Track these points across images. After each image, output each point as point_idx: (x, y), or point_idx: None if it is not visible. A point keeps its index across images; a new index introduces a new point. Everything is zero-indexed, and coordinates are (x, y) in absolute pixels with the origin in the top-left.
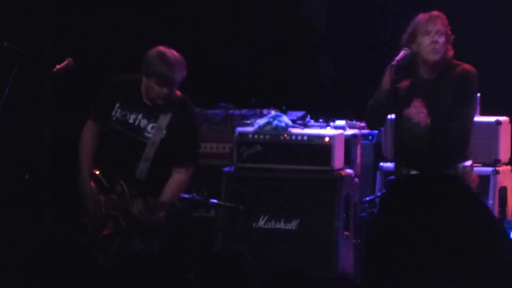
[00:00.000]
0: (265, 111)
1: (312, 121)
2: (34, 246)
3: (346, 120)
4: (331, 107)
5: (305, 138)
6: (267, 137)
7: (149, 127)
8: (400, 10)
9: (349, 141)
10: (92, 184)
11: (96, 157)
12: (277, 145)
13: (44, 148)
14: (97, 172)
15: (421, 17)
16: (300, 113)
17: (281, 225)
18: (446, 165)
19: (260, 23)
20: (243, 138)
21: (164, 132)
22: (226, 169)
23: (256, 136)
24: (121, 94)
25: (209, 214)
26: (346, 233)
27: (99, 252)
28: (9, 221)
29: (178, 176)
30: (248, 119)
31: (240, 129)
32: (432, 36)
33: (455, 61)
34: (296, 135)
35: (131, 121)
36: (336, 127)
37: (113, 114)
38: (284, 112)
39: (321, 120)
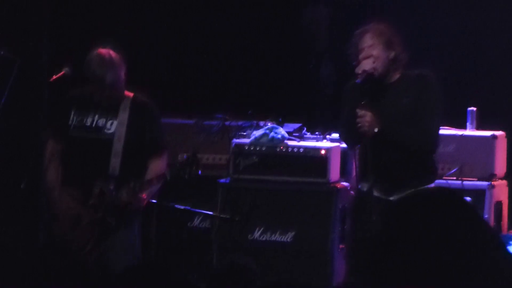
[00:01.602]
0: (261, 123)
1: (308, 133)
2: (28, 255)
3: None
4: (328, 120)
5: (301, 150)
6: (263, 148)
7: (108, 124)
8: (401, 21)
9: (345, 154)
10: (61, 201)
11: (66, 171)
12: (273, 157)
13: (40, 158)
14: (67, 186)
15: (354, 36)
16: (296, 125)
17: (277, 237)
18: (404, 185)
19: (259, 33)
20: (240, 150)
21: (127, 126)
22: (222, 180)
23: (252, 148)
24: (74, 102)
25: (205, 225)
26: (341, 246)
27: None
28: (3, 230)
29: (155, 166)
30: (244, 131)
31: (236, 140)
32: (365, 52)
33: (411, 69)
34: (292, 147)
35: (88, 123)
36: (332, 140)
37: (70, 123)
38: (281, 124)
39: (317, 133)
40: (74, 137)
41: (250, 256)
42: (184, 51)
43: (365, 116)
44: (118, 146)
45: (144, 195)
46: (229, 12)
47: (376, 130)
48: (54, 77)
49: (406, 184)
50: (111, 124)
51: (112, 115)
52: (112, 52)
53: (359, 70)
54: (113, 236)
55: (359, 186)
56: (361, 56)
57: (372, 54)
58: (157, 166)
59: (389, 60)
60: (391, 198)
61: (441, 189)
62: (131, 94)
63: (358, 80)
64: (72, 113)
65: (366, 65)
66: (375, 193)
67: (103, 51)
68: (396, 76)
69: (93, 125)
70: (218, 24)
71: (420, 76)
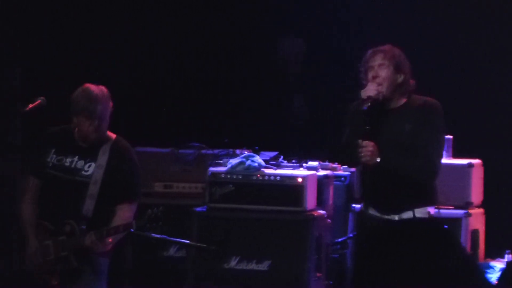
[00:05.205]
0: (238, 151)
1: (285, 161)
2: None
3: (318, 161)
4: (304, 148)
5: (278, 178)
6: (240, 177)
7: (86, 167)
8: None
9: (322, 182)
10: (34, 234)
11: (41, 206)
12: (250, 185)
13: (14, 189)
14: (41, 220)
15: (367, 53)
16: (273, 154)
17: (253, 266)
18: (401, 206)
19: (234, 63)
20: (216, 178)
21: (105, 169)
22: (198, 209)
23: (228, 176)
24: (55, 141)
25: (181, 255)
26: (318, 274)
27: None
28: None
29: (122, 213)
30: (221, 159)
31: (212, 169)
32: (374, 71)
33: (418, 96)
34: (269, 175)
35: (67, 164)
36: (309, 168)
37: (48, 160)
38: (257, 152)
39: (294, 161)
40: (51, 175)
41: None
42: (161, 80)
43: (367, 146)
44: (94, 188)
45: (110, 239)
46: (206, 41)
47: (378, 160)
48: (30, 106)
49: (404, 206)
50: (89, 166)
51: (91, 158)
52: (101, 87)
53: (364, 95)
54: (77, 279)
55: (357, 208)
56: (370, 75)
57: (381, 74)
58: (125, 214)
59: (397, 83)
60: (391, 218)
61: (428, 220)
62: (113, 136)
63: (364, 107)
64: (52, 151)
65: (371, 90)
66: (371, 212)
67: (92, 86)
68: (402, 101)
69: (72, 166)
70: (196, 54)
71: (425, 103)
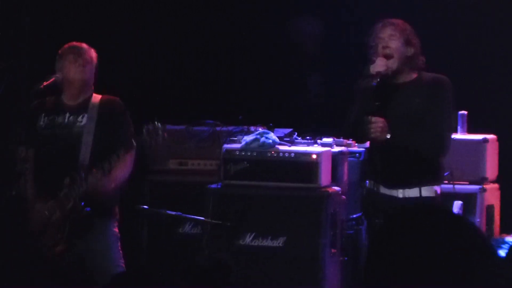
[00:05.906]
0: (252, 128)
1: (299, 138)
2: (21, 264)
3: (333, 137)
4: (319, 124)
5: (292, 155)
6: (254, 154)
7: (79, 118)
8: None
9: (336, 158)
10: (37, 202)
11: (38, 169)
12: (264, 162)
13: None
14: (39, 187)
15: (375, 26)
16: (287, 130)
17: (268, 242)
18: (408, 181)
19: (249, 39)
20: (230, 155)
21: (97, 119)
22: (213, 186)
23: (243, 153)
24: (44, 107)
25: (196, 231)
26: (332, 250)
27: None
28: None
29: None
30: (235, 136)
31: (227, 146)
32: (385, 42)
33: (428, 73)
34: (283, 152)
35: (59, 120)
36: (323, 144)
37: (41, 124)
38: (271, 129)
39: (308, 137)
40: (45, 135)
41: (235, 264)
42: (175, 57)
43: (377, 122)
44: (88, 137)
45: (116, 174)
46: (219, 18)
47: (388, 136)
48: (45, 83)
49: (411, 181)
50: (82, 117)
51: (82, 111)
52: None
53: (373, 71)
54: (87, 231)
55: (367, 183)
56: (379, 47)
57: (391, 45)
58: (121, 162)
59: (406, 56)
60: (396, 195)
61: (427, 203)
62: (99, 96)
63: (373, 83)
64: (42, 115)
65: (380, 66)
66: (382, 190)
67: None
68: (411, 77)
69: (65, 121)
70: (209, 31)
71: (435, 79)
